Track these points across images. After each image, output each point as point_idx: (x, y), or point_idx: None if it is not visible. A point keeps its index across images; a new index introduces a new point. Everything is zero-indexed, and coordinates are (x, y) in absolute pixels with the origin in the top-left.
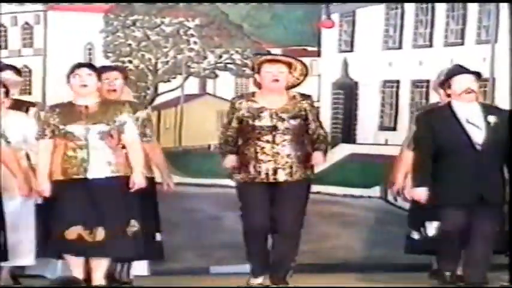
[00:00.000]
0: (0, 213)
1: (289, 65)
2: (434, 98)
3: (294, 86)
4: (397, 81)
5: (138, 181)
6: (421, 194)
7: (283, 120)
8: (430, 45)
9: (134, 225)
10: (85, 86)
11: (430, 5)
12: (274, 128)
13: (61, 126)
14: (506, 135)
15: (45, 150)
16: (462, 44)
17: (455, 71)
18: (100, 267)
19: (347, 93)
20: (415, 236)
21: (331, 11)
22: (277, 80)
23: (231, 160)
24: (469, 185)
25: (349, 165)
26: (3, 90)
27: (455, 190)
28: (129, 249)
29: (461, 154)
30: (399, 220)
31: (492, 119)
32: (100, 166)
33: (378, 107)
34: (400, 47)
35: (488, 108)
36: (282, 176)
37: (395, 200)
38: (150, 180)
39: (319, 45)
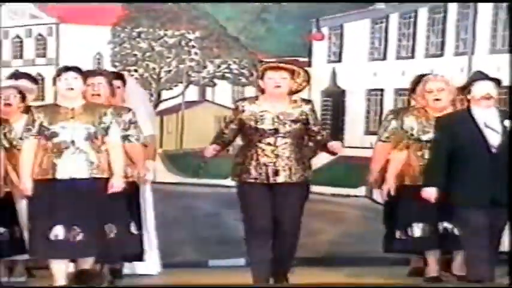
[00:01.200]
0: (14, 209)
1: (292, 72)
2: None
3: (297, 91)
4: (382, 90)
5: (116, 184)
6: (431, 193)
7: (284, 123)
8: (412, 57)
9: (112, 227)
10: (71, 89)
11: (412, 19)
12: (276, 131)
13: (47, 126)
14: None
15: (29, 150)
16: (441, 55)
17: (476, 77)
18: (84, 265)
19: (335, 100)
20: (399, 235)
21: (321, 25)
22: (279, 86)
23: (212, 148)
24: (485, 187)
25: (337, 166)
26: (19, 96)
27: (472, 191)
28: (108, 250)
29: (479, 156)
30: (381, 217)
31: (508, 123)
32: (83, 167)
33: (363, 113)
34: (384, 58)
35: (505, 113)
36: (282, 177)
37: (371, 193)
38: (131, 183)
39: (309, 56)
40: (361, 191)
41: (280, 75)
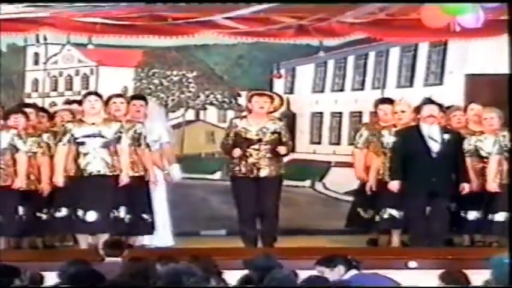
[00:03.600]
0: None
1: (271, 98)
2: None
3: (274, 111)
4: (321, 113)
5: (123, 179)
6: (395, 185)
7: (265, 134)
8: (342, 90)
9: (125, 211)
10: (93, 108)
11: (343, 64)
12: (259, 140)
13: (75, 137)
14: (455, 148)
15: (61, 153)
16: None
17: (424, 102)
18: (100, 240)
19: (289, 120)
20: (365, 215)
21: (280, 68)
22: (262, 107)
23: (237, 151)
24: (427, 182)
25: (291, 166)
26: (71, 116)
27: (417, 185)
28: (118, 228)
29: (423, 159)
30: (322, 202)
31: (446, 136)
32: (100, 166)
33: (308, 129)
34: (322, 91)
35: (445, 129)
36: (264, 173)
37: (313, 185)
38: (141, 178)
39: (271, 89)
40: (307, 183)
41: (263, 99)
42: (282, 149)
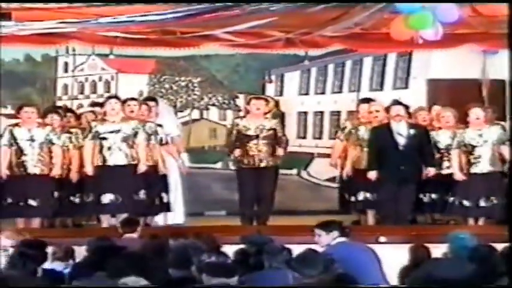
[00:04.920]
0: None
1: (266, 101)
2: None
3: (269, 112)
4: (306, 112)
5: (140, 168)
6: (374, 174)
7: (262, 131)
8: (323, 92)
9: (142, 193)
10: (113, 109)
11: (323, 71)
12: (257, 136)
13: (98, 132)
14: (421, 141)
15: (89, 147)
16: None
17: (392, 103)
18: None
19: (279, 118)
20: (350, 198)
21: (271, 74)
22: (259, 109)
23: (238, 151)
24: (395, 170)
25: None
26: (94, 116)
27: (387, 173)
28: (138, 209)
29: (392, 152)
30: (306, 187)
31: (412, 131)
32: (121, 158)
33: (295, 126)
34: (307, 93)
35: (411, 125)
36: (263, 164)
37: (300, 173)
38: (157, 166)
39: (263, 93)
40: (294, 171)
41: (260, 102)
42: (279, 151)
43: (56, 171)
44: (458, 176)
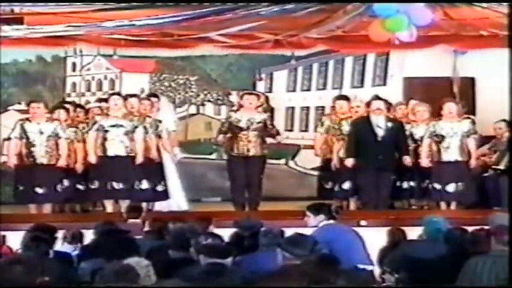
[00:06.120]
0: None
1: (258, 96)
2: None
3: (260, 106)
4: (293, 108)
5: (138, 159)
6: (350, 161)
7: (252, 123)
8: (309, 89)
9: (143, 183)
10: (116, 105)
11: (308, 69)
12: (248, 127)
13: (103, 125)
14: (397, 133)
15: (91, 139)
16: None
17: (372, 98)
18: (122, 205)
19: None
20: (334, 187)
21: (261, 72)
22: (251, 103)
23: (221, 137)
24: (373, 159)
25: (269, 148)
26: (100, 111)
27: (366, 162)
28: (140, 196)
29: (370, 142)
30: (293, 176)
31: (389, 124)
32: (121, 149)
33: (283, 119)
34: (294, 90)
35: (389, 118)
36: (252, 153)
37: (287, 163)
38: (153, 158)
39: (254, 89)
40: (282, 161)
41: (252, 97)
42: (270, 139)
43: (62, 162)
44: (425, 163)
